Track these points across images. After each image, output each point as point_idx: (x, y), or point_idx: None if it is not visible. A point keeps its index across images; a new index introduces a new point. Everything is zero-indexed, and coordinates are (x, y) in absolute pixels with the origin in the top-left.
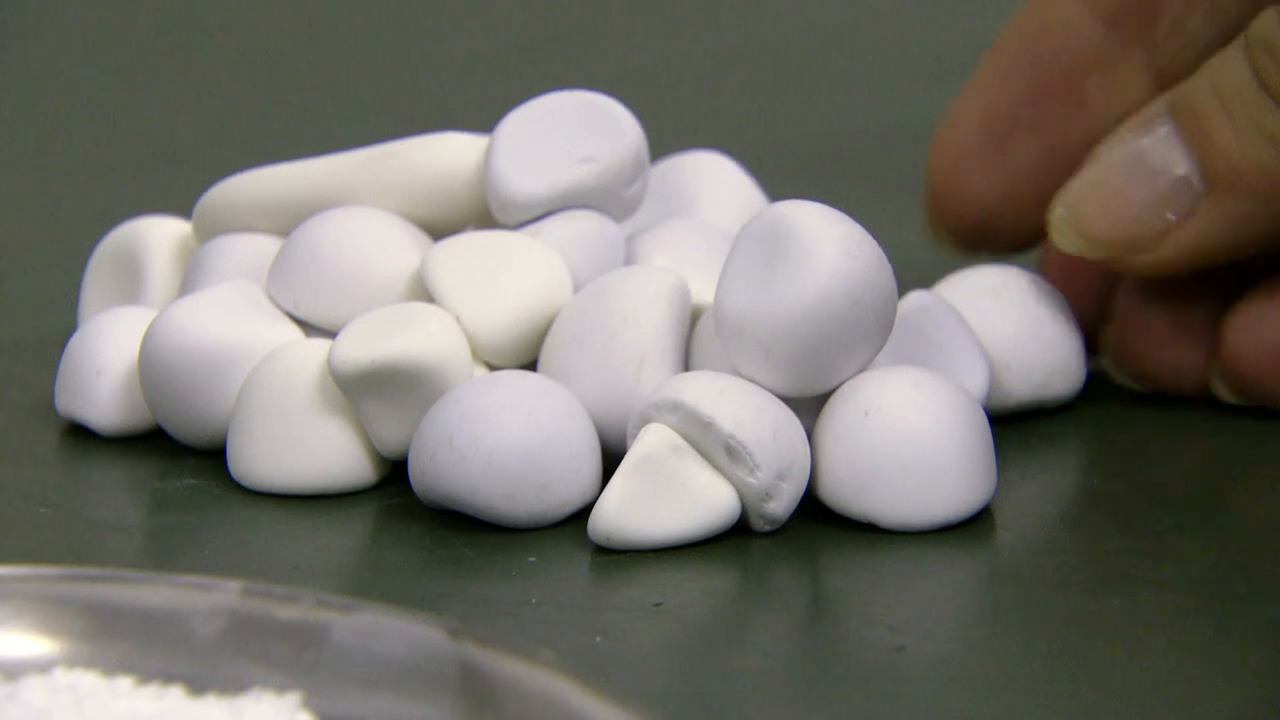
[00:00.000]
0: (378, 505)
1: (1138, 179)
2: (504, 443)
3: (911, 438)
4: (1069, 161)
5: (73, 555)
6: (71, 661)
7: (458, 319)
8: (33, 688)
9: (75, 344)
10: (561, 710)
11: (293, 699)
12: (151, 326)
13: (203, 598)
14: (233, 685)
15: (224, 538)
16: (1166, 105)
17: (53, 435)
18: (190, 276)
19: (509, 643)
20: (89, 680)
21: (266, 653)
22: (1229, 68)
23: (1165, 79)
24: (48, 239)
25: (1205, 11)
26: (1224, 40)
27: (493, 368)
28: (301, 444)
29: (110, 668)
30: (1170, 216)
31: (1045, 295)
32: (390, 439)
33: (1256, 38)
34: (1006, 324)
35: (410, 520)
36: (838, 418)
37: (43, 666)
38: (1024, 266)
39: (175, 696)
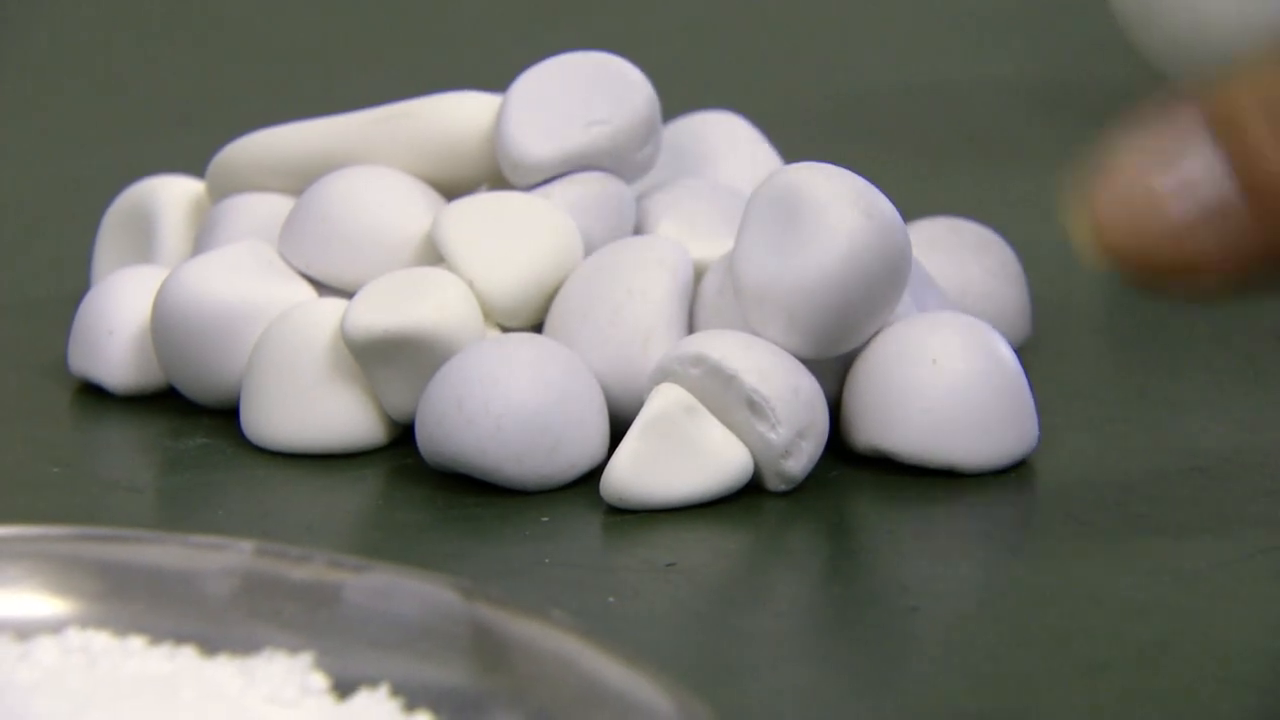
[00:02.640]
0: (390, 465)
1: (1173, 194)
2: (513, 406)
3: (983, 382)
4: None
5: (85, 515)
6: (84, 622)
7: (469, 281)
8: (45, 648)
9: (88, 303)
10: (574, 670)
11: (305, 659)
12: (164, 286)
13: (215, 558)
14: (245, 645)
15: (236, 497)
16: (1202, 113)
17: (65, 395)
18: (203, 236)
19: (522, 603)
20: (101, 640)
21: (279, 613)
22: (1271, 72)
23: None
24: (60, 199)
25: None
26: None
27: (504, 329)
28: (314, 404)
29: (122, 628)
30: (1211, 236)
31: (985, 246)
32: (400, 403)
33: None
34: (944, 278)
35: (423, 480)
36: (901, 369)
37: (55, 627)
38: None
39: (187, 657)
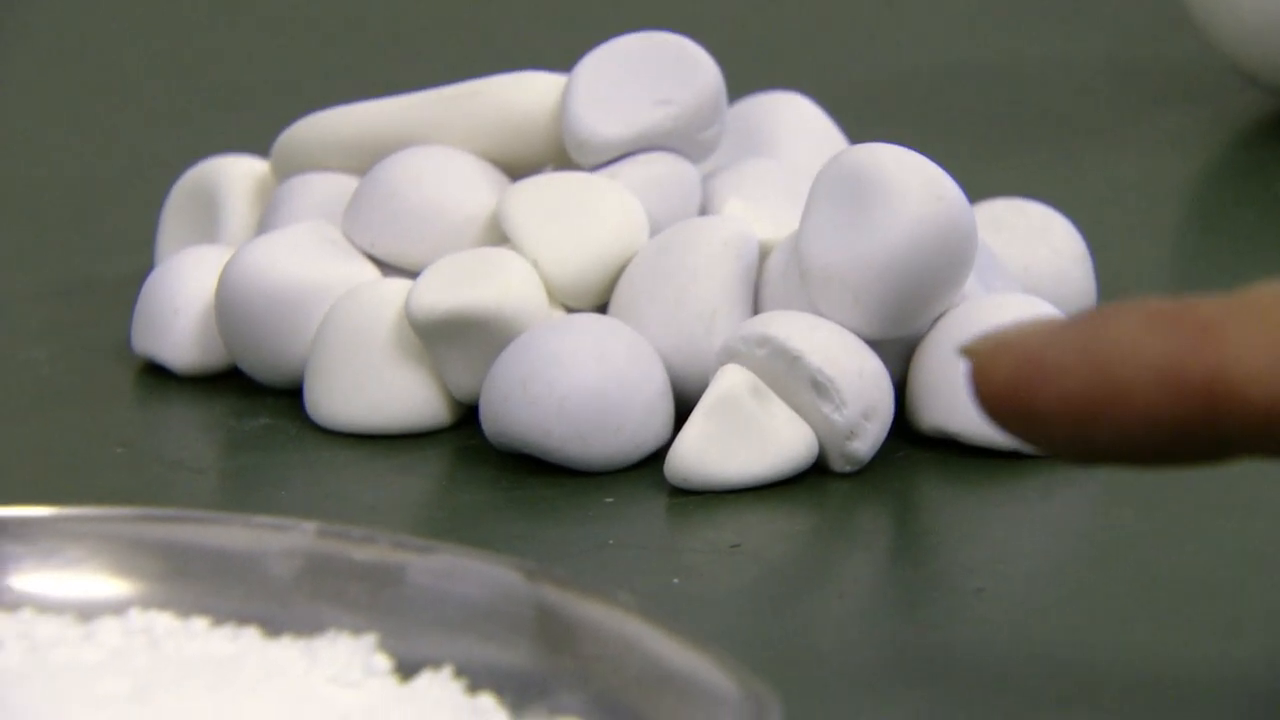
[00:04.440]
0: (454, 446)
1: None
2: (577, 386)
3: None
4: None
5: (148, 495)
6: (146, 603)
7: (534, 261)
8: (108, 629)
9: (152, 283)
10: (638, 652)
11: (368, 640)
12: (228, 265)
13: (279, 538)
14: (308, 626)
15: (300, 478)
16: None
17: (129, 375)
18: (268, 215)
19: (586, 584)
20: (164, 621)
21: (342, 594)
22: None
23: None
24: (125, 178)
25: None
26: None
27: (569, 309)
28: (378, 384)
29: (185, 609)
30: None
31: (1051, 227)
32: (465, 384)
33: None
34: (1009, 259)
35: (487, 461)
36: None
37: (118, 608)
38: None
39: (251, 638)
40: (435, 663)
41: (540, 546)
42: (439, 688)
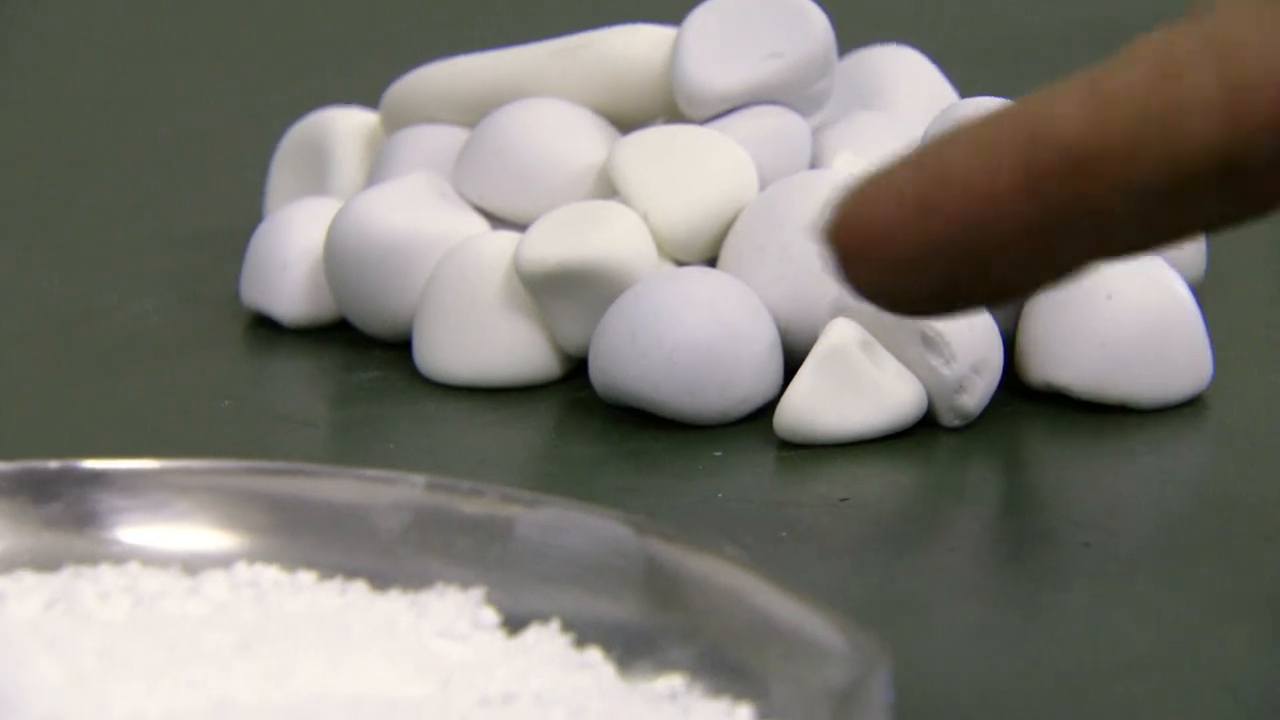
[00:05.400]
0: (563, 399)
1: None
2: (686, 339)
3: (1158, 319)
4: None
5: (256, 448)
6: (253, 556)
7: (644, 214)
8: (214, 582)
9: (261, 236)
10: (747, 605)
11: (476, 594)
12: (338, 217)
13: (387, 492)
14: (416, 580)
15: (408, 431)
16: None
17: (238, 328)
18: (377, 168)
19: (694, 538)
20: (271, 575)
21: (451, 547)
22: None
23: None
24: (235, 131)
25: None
26: None
27: (678, 263)
28: (487, 337)
29: (292, 563)
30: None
31: None
32: (574, 336)
33: None
34: None
35: (595, 414)
36: (1077, 305)
37: (224, 561)
38: None
39: (358, 591)
40: (543, 617)
41: (648, 500)
42: (547, 642)
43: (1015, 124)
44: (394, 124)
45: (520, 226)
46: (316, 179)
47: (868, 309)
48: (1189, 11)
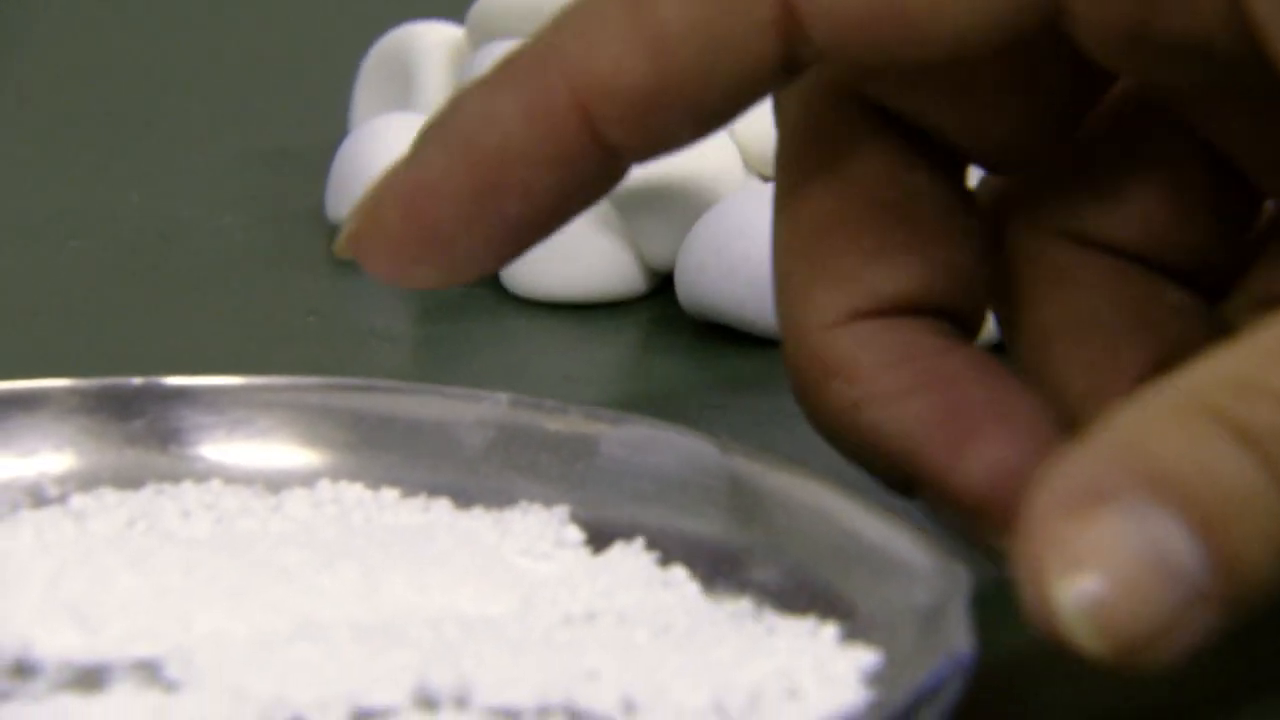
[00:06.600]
0: (649, 315)
1: (1159, 577)
2: None
3: None
4: None
5: (339, 365)
6: (336, 474)
7: (730, 129)
8: (297, 499)
9: (346, 151)
10: (831, 524)
11: (560, 511)
12: None
13: (471, 409)
14: (500, 498)
15: (493, 347)
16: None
17: (322, 243)
18: (463, 83)
19: (779, 456)
20: (354, 492)
21: (534, 465)
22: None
23: None
24: (320, 46)
25: None
26: None
27: (765, 178)
28: (573, 253)
29: (375, 480)
30: (1189, 622)
31: None
32: (660, 251)
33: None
34: None
35: (680, 331)
36: None
37: (307, 479)
38: None
39: (442, 509)
40: (627, 534)
41: (734, 417)
42: (631, 559)
43: (562, 81)
44: (479, 38)
45: None
46: (402, 94)
47: None
48: None
